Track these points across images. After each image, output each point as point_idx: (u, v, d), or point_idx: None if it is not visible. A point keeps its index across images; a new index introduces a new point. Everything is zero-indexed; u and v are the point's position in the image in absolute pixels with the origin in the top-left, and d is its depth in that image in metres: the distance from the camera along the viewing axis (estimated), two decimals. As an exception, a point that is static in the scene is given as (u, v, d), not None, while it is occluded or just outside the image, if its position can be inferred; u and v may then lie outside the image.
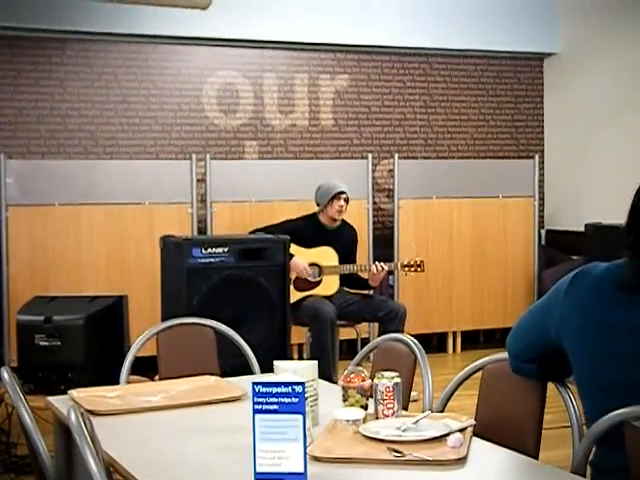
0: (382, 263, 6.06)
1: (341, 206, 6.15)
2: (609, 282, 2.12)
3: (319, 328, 5.84)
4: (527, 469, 2.21)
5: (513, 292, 7.85)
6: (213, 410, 2.80)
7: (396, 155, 7.63)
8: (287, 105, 7.87)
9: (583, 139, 8.28)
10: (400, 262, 6.27)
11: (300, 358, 6.94)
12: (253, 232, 6.15)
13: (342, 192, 6.15)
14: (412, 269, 6.17)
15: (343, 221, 6.35)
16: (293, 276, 5.87)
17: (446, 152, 8.40)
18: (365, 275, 6.20)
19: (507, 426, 2.54)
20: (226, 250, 5.18)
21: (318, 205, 6.23)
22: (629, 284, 2.08)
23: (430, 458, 2.15)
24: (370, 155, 7.56)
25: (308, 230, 6.16)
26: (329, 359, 5.79)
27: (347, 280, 6.26)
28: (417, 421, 2.41)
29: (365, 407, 2.55)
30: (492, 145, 8.58)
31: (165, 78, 7.50)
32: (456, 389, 2.80)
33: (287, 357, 5.25)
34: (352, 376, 2.58)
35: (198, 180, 6.99)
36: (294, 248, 5.79)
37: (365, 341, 6.07)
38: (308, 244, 6.12)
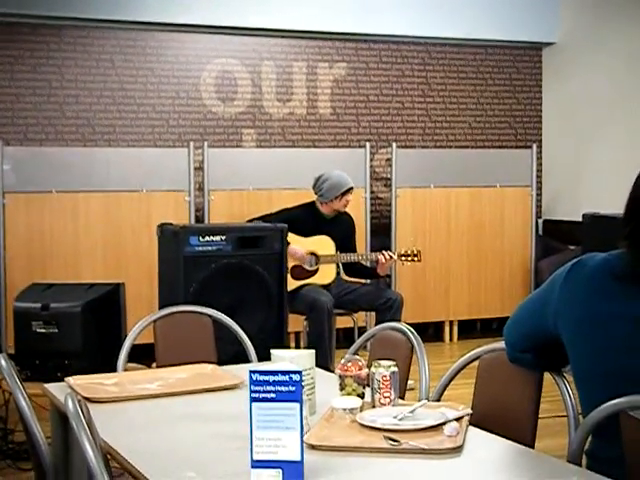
0: (389, 252, 6.09)
1: (347, 201, 6.17)
2: (606, 273, 2.12)
3: (316, 317, 5.85)
4: (523, 458, 2.22)
5: (510, 282, 7.86)
6: (210, 398, 2.80)
7: (394, 144, 7.63)
8: (285, 93, 7.86)
9: (581, 129, 8.28)
10: (397, 251, 6.28)
11: (297, 347, 6.95)
12: (250, 221, 6.15)
13: (352, 188, 6.17)
14: (409, 259, 6.17)
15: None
16: (290, 264, 5.87)
17: (444, 141, 8.40)
18: (364, 263, 6.23)
19: (503, 415, 2.55)
20: (223, 238, 5.18)
21: (321, 196, 6.19)
22: (626, 275, 2.08)
23: (426, 447, 2.15)
24: (368, 144, 7.56)
25: (306, 219, 6.16)
26: (326, 348, 5.80)
27: (351, 269, 6.27)
28: (414, 410, 2.41)
29: (362, 396, 2.55)
30: (490, 134, 8.58)
31: (163, 66, 7.49)
32: (453, 378, 2.81)
33: (284, 345, 5.25)
34: (349, 365, 2.58)
35: (196, 168, 6.99)
36: (291, 237, 5.79)
37: (362, 330, 6.08)
38: (305, 233, 6.12)
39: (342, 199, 6.15)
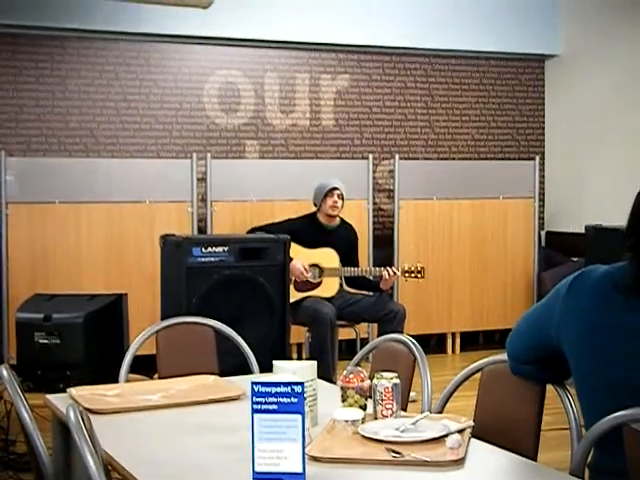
0: (394, 268, 6.09)
1: (335, 202, 6.17)
2: (609, 285, 2.12)
3: (319, 329, 5.84)
4: (525, 471, 2.21)
5: (513, 293, 7.85)
6: (212, 409, 2.80)
7: (397, 156, 7.63)
8: (288, 105, 7.87)
9: (584, 141, 8.28)
10: (401, 268, 6.24)
11: (299, 358, 6.94)
12: (253, 230, 6.16)
13: (335, 188, 6.17)
14: (412, 275, 6.15)
15: (342, 221, 6.36)
16: (293, 278, 5.87)
17: (447, 153, 8.40)
18: (368, 277, 6.23)
19: (506, 427, 2.54)
20: (226, 249, 5.19)
21: (315, 205, 6.28)
22: (629, 287, 2.08)
23: (429, 459, 2.15)
24: (371, 155, 7.57)
25: (308, 230, 6.17)
26: (328, 359, 5.78)
27: (354, 282, 6.28)
28: (416, 422, 2.41)
29: (364, 407, 2.55)
30: (493, 146, 8.58)
31: (166, 77, 7.50)
32: (455, 390, 2.80)
33: (286, 357, 5.25)
34: (351, 376, 2.58)
35: (199, 179, 6.99)
36: (294, 247, 5.79)
37: (364, 341, 6.08)
38: (308, 244, 6.12)
39: (327, 200, 6.17)
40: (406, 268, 6.20)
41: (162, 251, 5.42)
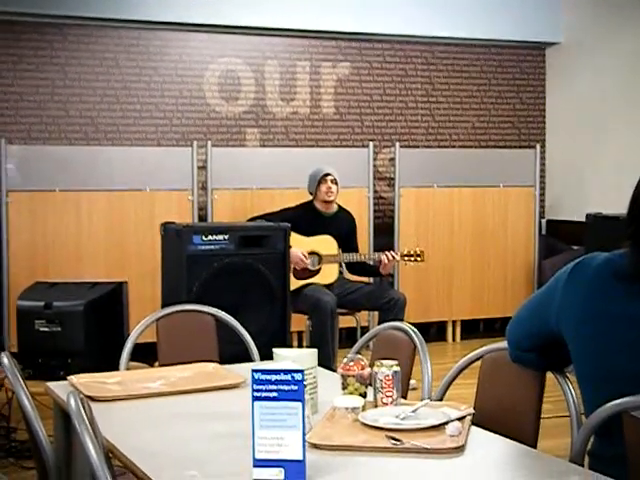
0: (392, 252, 6.10)
1: (329, 187, 6.18)
2: (609, 272, 2.12)
3: (319, 317, 5.84)
4: (525, 458, 2.21)
5: (513, 281, 7.85)
6: (212, 397, 2.80)
7: (397, 144, 7.63)
8: (288, 93, 7.86)
9: (585, 129, 8.27)
10: (400, 252, 6.27)
11: (300, 346, 6.95)
12: (251, 220, 6.16)
13: (327, 174, 6.18)
14: (412, 259, 6.17)
15: (340, 208, 6.37)
16: (292, 266, 5.87)
17: (447, 141, 8.39)
18: (367, 262, 6.23)
19: (506, 415, 2.55)
20: (226, 237, 5.18)
21: (311, 194, 6.28)
22: (629, 275, 2.08)
23: (429, 446, 2.15)
24: (371, 143, 7.56)
25: (306, 218, 6.16)
26: (329, 347, 5.79)
27: (354, 267, 6.28)
28: (416, 409, 2.41)
29: (364, 395, 2.55)
30: (493, 134, 8.57)
31: (166, 64, 7.49)
32: (455, 378, 2.81)
33: (287, 345, 5.26)
34: (351, 364, 2.58)
35: (199, 167, 6.99)
36: (293, 236, 5.78)
37: (365, 329, 6.07)
38: (306, 232, 6.12)
39: (321, 187, 6.18)
40: (405, 252, 6.21)
41: (163, 239, 5.42)
